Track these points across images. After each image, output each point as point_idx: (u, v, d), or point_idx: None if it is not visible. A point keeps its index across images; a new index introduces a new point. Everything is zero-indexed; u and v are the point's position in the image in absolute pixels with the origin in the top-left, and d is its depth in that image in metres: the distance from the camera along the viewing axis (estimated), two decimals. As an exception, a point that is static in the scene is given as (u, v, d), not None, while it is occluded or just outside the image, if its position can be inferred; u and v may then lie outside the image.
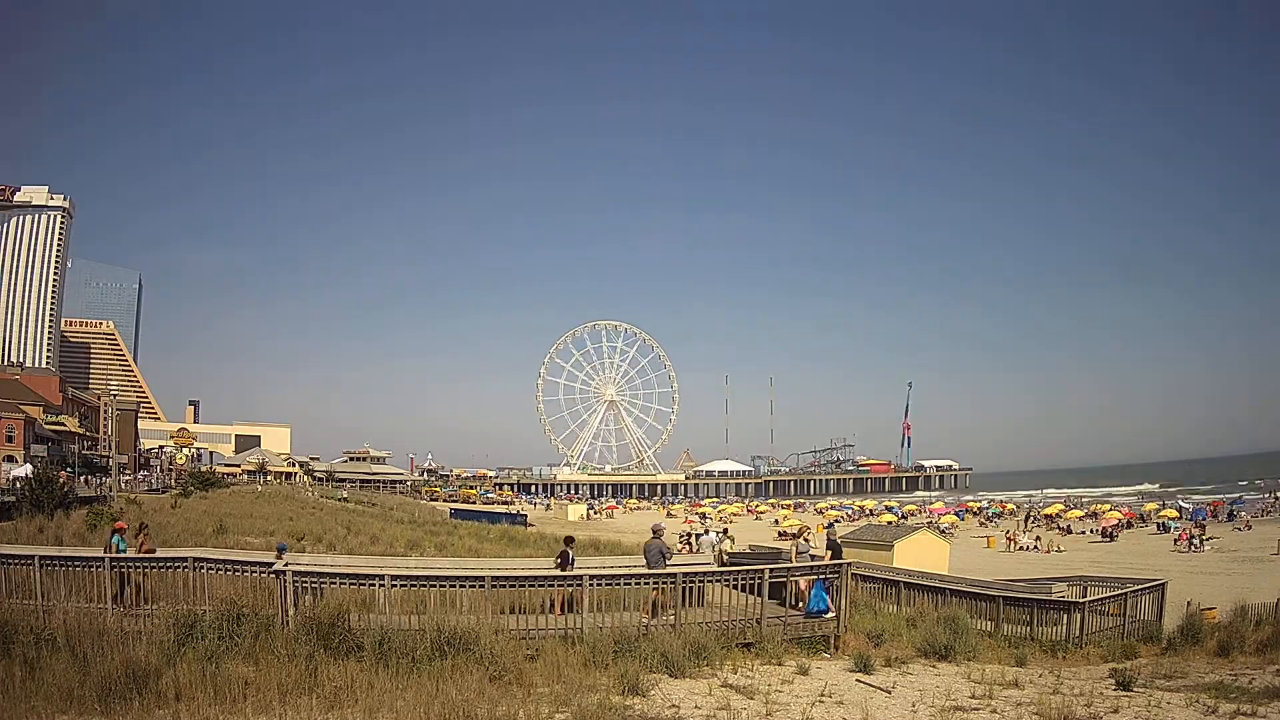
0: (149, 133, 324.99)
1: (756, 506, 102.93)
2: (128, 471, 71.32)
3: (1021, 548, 46.74)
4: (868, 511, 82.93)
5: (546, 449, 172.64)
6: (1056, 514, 61.21)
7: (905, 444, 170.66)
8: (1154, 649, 12.82)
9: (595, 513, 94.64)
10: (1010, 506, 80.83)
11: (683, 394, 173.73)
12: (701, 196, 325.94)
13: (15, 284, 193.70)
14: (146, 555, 11.22)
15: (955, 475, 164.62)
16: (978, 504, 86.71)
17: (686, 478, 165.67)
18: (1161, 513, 57.05)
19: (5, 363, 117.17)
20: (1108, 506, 69.32)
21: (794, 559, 14.11)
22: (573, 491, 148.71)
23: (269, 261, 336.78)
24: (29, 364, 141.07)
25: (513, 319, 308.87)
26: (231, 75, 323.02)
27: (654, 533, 12.47)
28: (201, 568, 10.21)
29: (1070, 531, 53.81)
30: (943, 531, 49.72)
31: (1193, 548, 40.43)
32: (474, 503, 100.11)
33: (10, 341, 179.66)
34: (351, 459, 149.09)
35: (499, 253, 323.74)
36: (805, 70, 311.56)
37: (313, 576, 9.74)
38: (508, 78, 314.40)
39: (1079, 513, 61.30)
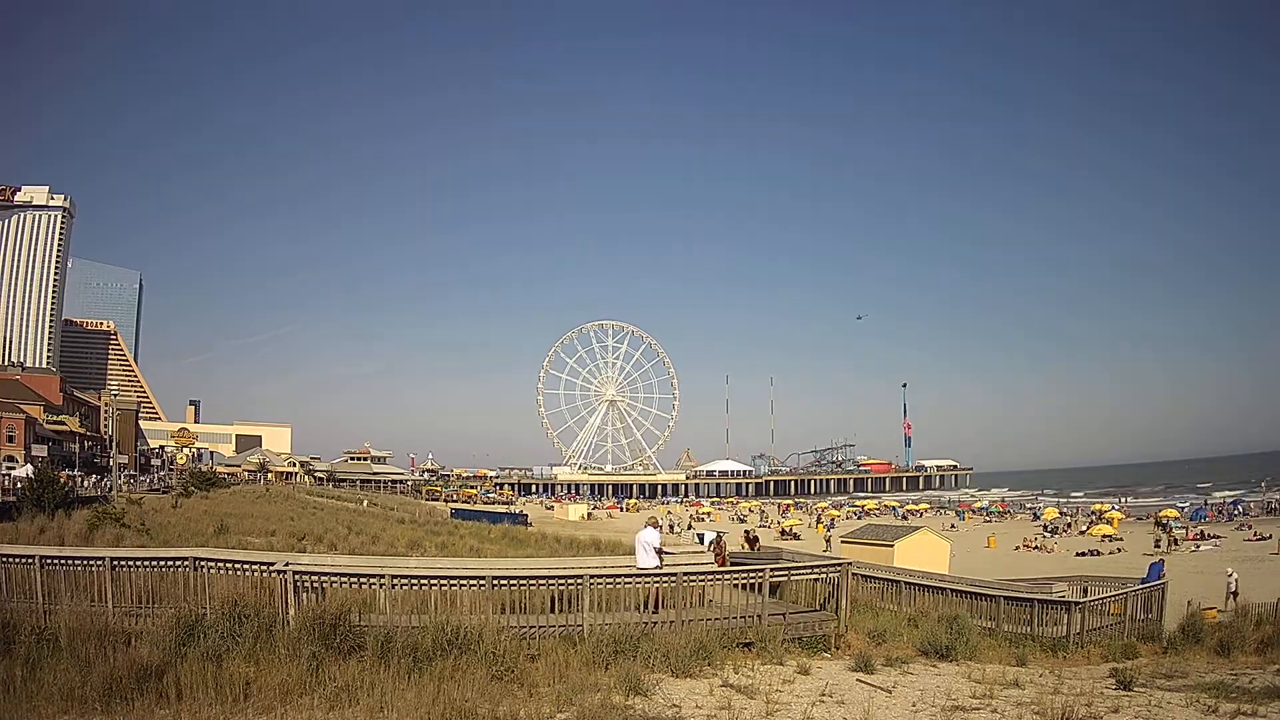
0: (150, 133, 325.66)
1: (740, 506, 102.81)
2: (129, 471, 71.31)
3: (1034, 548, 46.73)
4: (867, 511, 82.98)
5: (547, 449, 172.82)
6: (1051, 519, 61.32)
7: (906, 444, 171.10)
8: (1154, 649, 12.82)
9: (602, 511, 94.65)
10: (1014, 509, 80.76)
11: (683, 394, 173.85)
12: (702, 197, 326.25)
13: (15, 284, 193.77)
14: (149, 554, 11.19)
15: (956, 475, 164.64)
16: (978, 503, 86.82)
17: (687, 478, 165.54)
18: (1162, 512, 57.06)
19: (5, 363, 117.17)
20: (1107, 507, 69.38)
21: None
22: (573, 491, 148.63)
23: (269, 262, 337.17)
24: (29, 364, 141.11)
25: (513, 319, 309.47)
26: (234, 78, 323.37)
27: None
28: (202, 567, 10.20)
29: (1058, 532, 53.83)
30: (950, 529, 49.70)
31: (1200, 546, 40.41)
32: (474, 502, 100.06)
33: (10, 341, 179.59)
34: (352, 459, 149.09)
35: (500, 253, 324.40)
36: (807, 73, 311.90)
37: (314, 576, 9.74)
38: (509, 83, 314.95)
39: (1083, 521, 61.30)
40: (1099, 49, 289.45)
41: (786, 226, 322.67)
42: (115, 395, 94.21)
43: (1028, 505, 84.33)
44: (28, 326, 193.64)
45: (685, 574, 10.90)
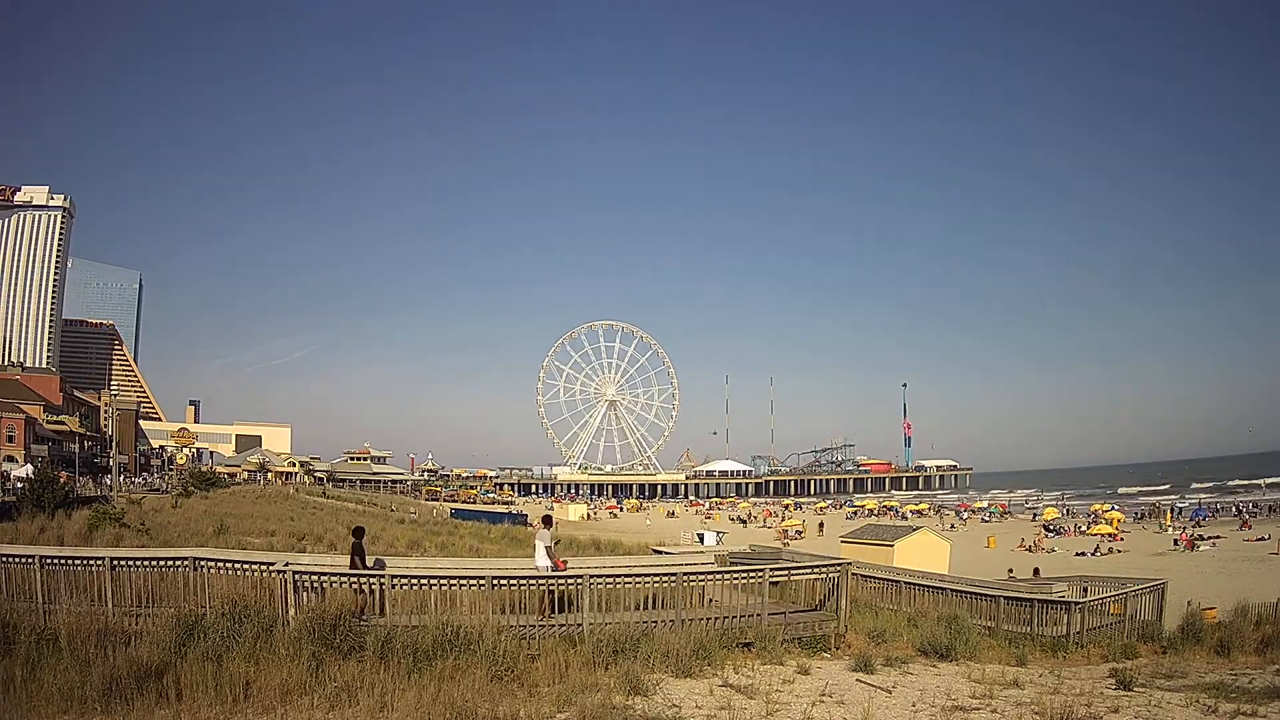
0: (151, 133, 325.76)
1: (740, 506, 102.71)
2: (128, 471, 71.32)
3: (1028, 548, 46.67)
4: (867, 511, 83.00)
5: (547, 449, 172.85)
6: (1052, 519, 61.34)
7: (906, 444, 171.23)
8: (1154, 648, 12.82)
9: (603, 510, 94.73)
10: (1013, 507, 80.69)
11: (683, 394, 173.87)
12: (702, 197, 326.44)
13: (15, 284, 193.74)
14: (149, 554, 11.20)
15: (955, 475, 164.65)
16: (979, 504, 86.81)
17: (686, 478, 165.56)
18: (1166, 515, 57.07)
19: (5, 363, 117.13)
20: (1107, 506, 69.35)
21: None
22: (573, 491, 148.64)
23: (269, 262, 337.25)
24: (29, 364, 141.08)
25: (513, 319, 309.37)
26: (234, 78, 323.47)
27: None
28: (202, 567, 10.20)
29: (1058, 533, 53.82)
30: (950, 529, 49.66)
31: (1193, 547, 40.44)
32: (474, 502, 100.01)
33: (10, 341, 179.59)
34: (352, 459, 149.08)
35: (500, 253, 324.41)
36: (806, 72, 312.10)
37: (314, 575, 9.75)
38: (509, 84, 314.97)
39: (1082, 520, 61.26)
40: (1099, 49, 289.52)
41: (786, 226, 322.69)
42: (115, 395, 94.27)
43: (1028, 505, 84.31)
44: (28, 326, 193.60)
45: (685, 574, 10.91)
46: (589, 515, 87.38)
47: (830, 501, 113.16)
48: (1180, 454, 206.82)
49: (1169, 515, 57.31)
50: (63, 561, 10.46)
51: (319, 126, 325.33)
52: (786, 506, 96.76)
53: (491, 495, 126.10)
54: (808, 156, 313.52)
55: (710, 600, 11.20)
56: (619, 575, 10.79)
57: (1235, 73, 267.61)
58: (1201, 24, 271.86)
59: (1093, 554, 41.84)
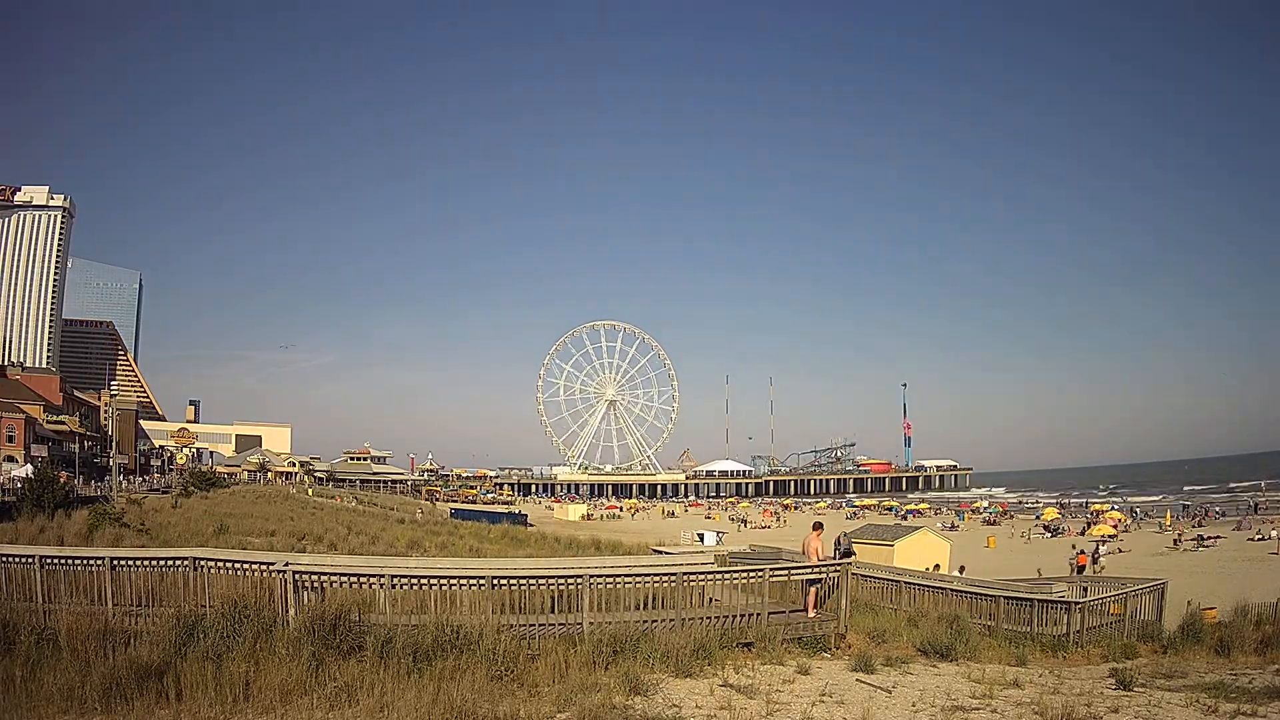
0: (151, 134, 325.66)
1: (740, 506, 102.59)
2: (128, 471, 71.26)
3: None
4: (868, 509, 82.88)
5: (546, 449, 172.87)
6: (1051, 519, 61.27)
7: (906, 444, 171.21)
8: (1154, 648, 12.81)
9: (604, 510, 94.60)
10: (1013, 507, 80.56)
11: (683, 394, 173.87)
12: (702, 196, 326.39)
13: (15, 284, 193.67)
14: (149, 554, 11.17)
15: (955, 475, 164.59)
16: (978, 504, 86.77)
17: (687, 478, 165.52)
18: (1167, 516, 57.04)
19: (5, 363, 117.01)
20: (1107, 506, 69.39)
21: None
22: (573, 491, 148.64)
23: (269, 262, 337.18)
24: (29, 364, 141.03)
25: (513, 319, 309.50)
26: (234, 78, 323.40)
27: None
28: (202, 567, 10.18)
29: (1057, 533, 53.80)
30: (950, 529, 49.64)
31: (1194, 546, 40.42)
32: (474, 502, 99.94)
33: (10, 341, 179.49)
34: (352, 459, 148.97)
35: (500, 253, 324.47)
36: (805, 72, 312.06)
37: (314, 575, 9.74)
38: (508, 83, 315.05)
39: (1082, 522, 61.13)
40: (1099, 49, 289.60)
41: (786, 225, 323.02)
42: (115, 395, 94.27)
43: (1027, 506, 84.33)
44: (28, 326, 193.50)
45: (685, 574, 10.89)
46: (589, 515, 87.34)
47: (830, 501, 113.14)
48: (1181, 454, 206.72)
49: (1169, 515, 57.30)
50: (63, 561, 10.44)
51: (319, 127, 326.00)
52: (786, 506, 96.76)
53: (491, 495, 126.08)
54: (808, 156, 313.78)
55: (710, 600, 11.18)
56: (619, 575, 10.77)
57: (1235, 73, 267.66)
58: (1201, 24, 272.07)
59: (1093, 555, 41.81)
